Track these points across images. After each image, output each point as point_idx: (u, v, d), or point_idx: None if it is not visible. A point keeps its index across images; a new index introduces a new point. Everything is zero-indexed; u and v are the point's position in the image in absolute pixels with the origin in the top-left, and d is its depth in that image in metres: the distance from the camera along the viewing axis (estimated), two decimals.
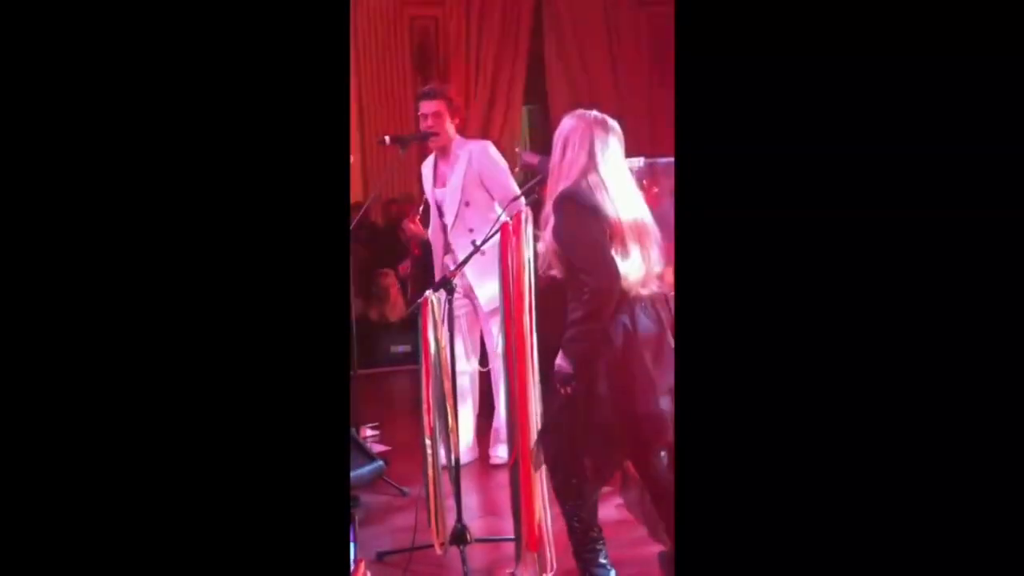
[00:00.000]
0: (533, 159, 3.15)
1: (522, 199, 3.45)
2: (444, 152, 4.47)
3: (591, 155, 2.94)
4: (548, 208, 2.99)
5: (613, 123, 3.01)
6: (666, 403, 2.85)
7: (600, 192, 2.90)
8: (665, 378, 2.85)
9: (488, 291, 4.28)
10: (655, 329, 2.89)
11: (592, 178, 2.91)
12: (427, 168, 4.59)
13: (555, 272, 3.00)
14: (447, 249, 4.49)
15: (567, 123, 3.02)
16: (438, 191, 4.48)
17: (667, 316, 2.92)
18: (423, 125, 4.42)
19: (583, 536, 3.02)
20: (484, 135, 7.91)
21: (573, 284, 2.90)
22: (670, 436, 2.84)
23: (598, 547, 3.04)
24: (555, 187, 2.98)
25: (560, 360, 2.89)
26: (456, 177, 4.40)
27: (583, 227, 2.88)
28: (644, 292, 2.90)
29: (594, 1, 8.37)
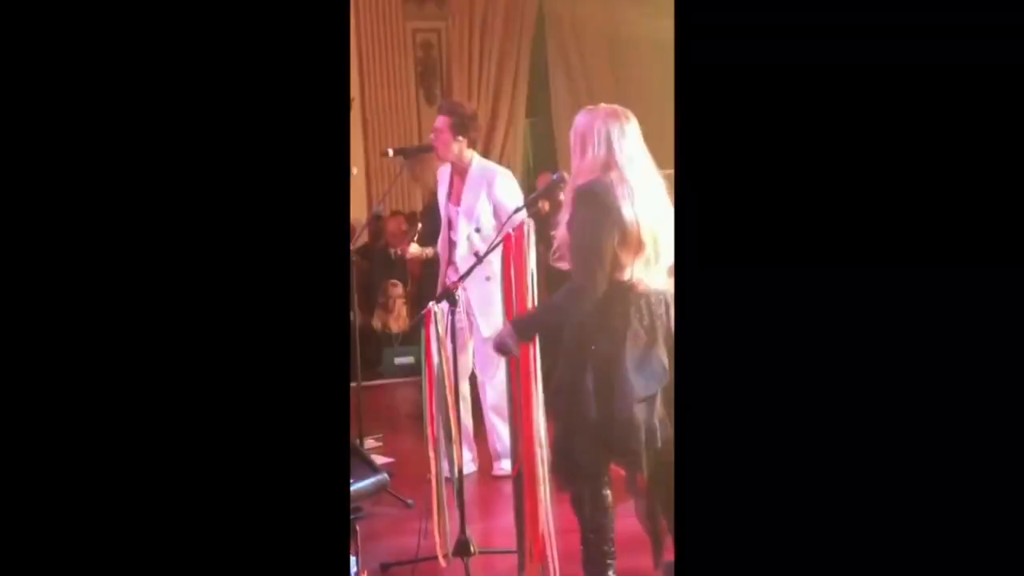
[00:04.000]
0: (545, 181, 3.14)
1: (524, 211, 3.46)
2: (460, 169, 4.47)
3: (610, 148, 2.90)
4: (566, 197, 2.97)
5: (627, 112, 2.98)
6: (640, 411, 2.84)
7: (621, 187, 2.87)
8: (645, 386, 2.85)
9: (490, 320, 4.28)
10: (645, 336, 2.88)
11: (614, 173, 2.88)
12: (444, 178, 4.56)
13: (564, 264, 3.00)
14: (450, 262, 4.50)
15: (581, 120, 2.98)
16: (452, 207, 4.48)
17: (666, 320, 2.91)
18: (433, 138, 4.47)
19: (596, 548, 3.01)
20: (487, 148, 7.92)
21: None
22: (638, 445, 2.84)
23: (608, 561, 3.02)
24: (575, 182, 2.95)
25: (505, 332, 2.97)
26: (471, 200, 4.40)
27: (591, 226, 2.86)
28: (654, 286, 2.89)
29: (596, 13, 8.38)
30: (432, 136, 4.43)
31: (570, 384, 2.92)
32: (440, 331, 3.19)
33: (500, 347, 3.00)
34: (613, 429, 2.87)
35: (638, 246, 2.87)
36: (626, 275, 2.88)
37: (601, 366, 2.87)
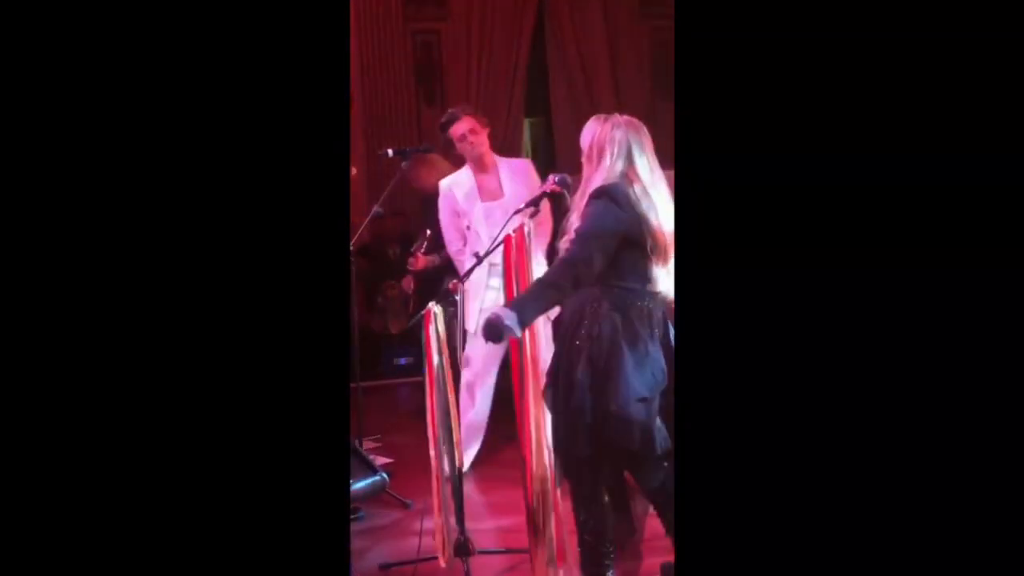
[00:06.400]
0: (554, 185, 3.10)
1: (525, 211, 3.46)
2: (483, 165, 4.45)
3: (630, 160, 2.88)
4: (579, 202, 2.93)
5: (642, 125, 2.94)
6: (638, 410, 2.82)
7: (645, 199, 2.85)
8: (643, 386, 2.83)
9: (472, 310, 4.32)
10: (644, 335, 2.87)
11: (637, 186, 2.86)
12: (464, 183, 4.48)
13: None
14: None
15: (596, 128, 2.93)
16: (485, 204, 4.43)
17: (664, 328, 2.91)
18: (461, 148, 4.40)
19: (593, 550, 3.00)
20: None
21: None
22: (634, 443, 2.83)
23: (607, 562, 3.01)
24: (589, 189, 2.91)
25: (502, 314, 2.76)
26: (518, 188, 4.37)
27: (603, 212, 2.82)
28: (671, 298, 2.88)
29: (596, 14, 8.37)
30: (471, 141, 4.37)
31: (565, 376, 2.91)
32: (440, 331, 3.19)
33: (490, 329, 2.76)
34: (609, 424, 2.84)
35: (666, 254, 2.86)
36: (660, 286, 2.88)
37: (597, 361, 2.85)
